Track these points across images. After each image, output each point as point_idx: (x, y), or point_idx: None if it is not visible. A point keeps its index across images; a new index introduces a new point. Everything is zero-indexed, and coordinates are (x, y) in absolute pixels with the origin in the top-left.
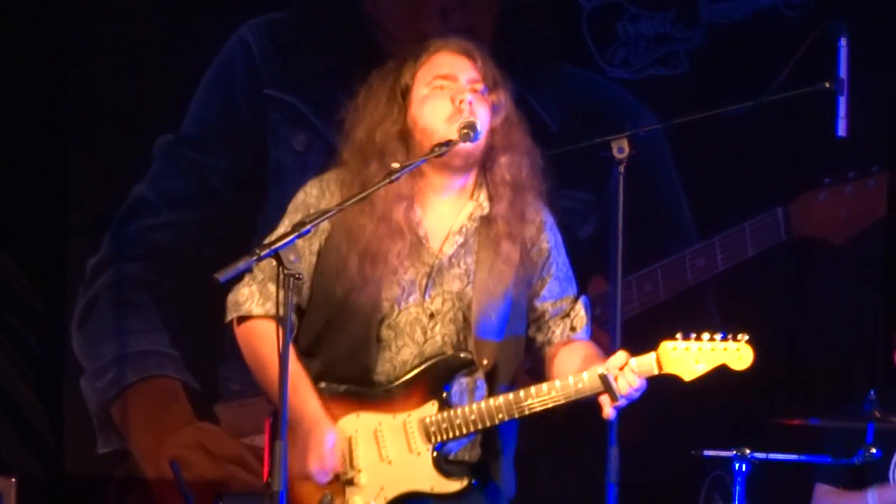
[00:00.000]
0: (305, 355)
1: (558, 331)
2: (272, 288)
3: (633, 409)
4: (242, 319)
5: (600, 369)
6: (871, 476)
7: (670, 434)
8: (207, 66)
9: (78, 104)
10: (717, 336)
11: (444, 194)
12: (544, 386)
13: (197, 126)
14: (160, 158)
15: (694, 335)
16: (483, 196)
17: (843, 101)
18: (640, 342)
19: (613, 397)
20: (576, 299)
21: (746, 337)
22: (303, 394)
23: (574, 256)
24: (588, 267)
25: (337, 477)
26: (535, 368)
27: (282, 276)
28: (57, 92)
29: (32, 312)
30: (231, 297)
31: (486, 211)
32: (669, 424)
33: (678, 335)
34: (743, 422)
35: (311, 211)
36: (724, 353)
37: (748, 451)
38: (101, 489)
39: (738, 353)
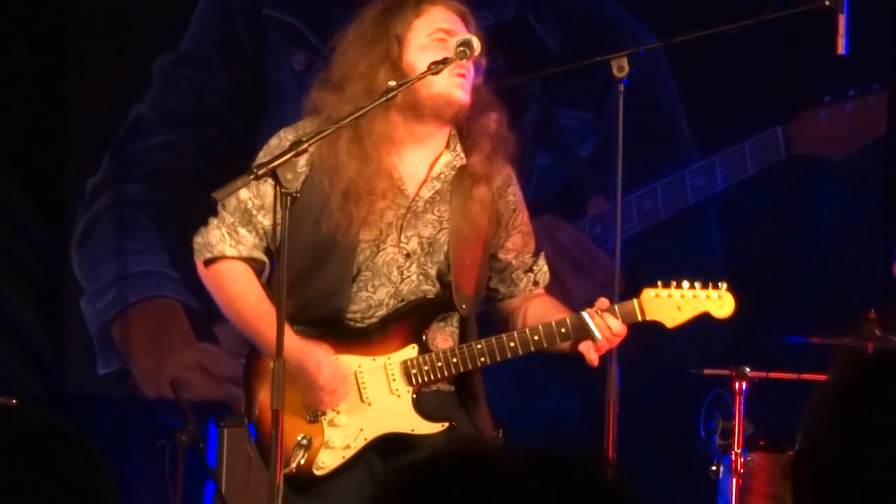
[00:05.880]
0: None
1: (521, 284)
2: (242, 232)
3: (632, 329)
4: (211, 261)
5: (584, 313)
6: None
7: (670, 353)
8: None
9: (77, 24)
10: (698, 284)
11: (420, 144)
12: (527, 330)
13: (196, 46)
14: (159, 78)
15: (674, 282)
16: (459, 147)
17: (843, 19)
18: (640, 261)
19: (594, 339)
20: (537, 255)
21: (725, 285)
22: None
23: (574, 175)
24: (588, 186)
25: (317, 415)
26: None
27: (279, 195)
28: (56, 11)
29: (32, 233)
30: (200, 239)
31: (463, 161)
32: (669, 343)
33: (658, 282)
34: (743, 340)
35: None
36: (705, 302)
37: (748, 369)
38: (101, 409)
39: (719, 302)
